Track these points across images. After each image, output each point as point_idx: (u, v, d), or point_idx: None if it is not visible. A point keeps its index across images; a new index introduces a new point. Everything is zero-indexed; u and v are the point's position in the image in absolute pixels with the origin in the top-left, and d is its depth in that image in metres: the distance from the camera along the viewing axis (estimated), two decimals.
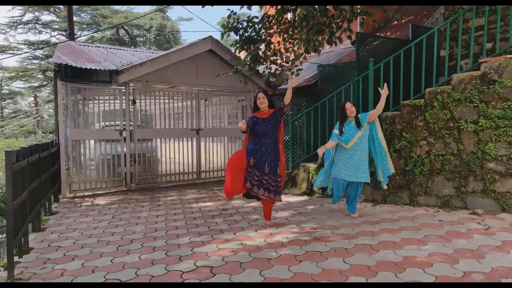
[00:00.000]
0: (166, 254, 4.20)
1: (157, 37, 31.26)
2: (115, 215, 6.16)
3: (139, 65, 8.62)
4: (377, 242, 4.26)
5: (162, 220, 5.78)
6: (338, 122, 5.41)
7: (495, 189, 5.20)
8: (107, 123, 9.46)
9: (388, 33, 10.70)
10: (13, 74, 32.31)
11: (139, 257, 4.11)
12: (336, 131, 5.39)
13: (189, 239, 4.73)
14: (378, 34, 10.13)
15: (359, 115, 5.33)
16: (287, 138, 8.25)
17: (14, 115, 34.03)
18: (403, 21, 10.96)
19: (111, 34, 32.38)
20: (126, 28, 32.93)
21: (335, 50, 11.55)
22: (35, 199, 5.07)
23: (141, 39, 33.11)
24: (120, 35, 32.99)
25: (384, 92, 5.31)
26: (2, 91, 35.29)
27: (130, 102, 8.79)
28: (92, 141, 8.64)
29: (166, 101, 9.62)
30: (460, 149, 5.51)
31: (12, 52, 32.65)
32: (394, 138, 6.12)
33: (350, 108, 5.28)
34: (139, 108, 9.16)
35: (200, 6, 8.24)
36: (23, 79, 31.13)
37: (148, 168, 9.25)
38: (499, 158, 5.18)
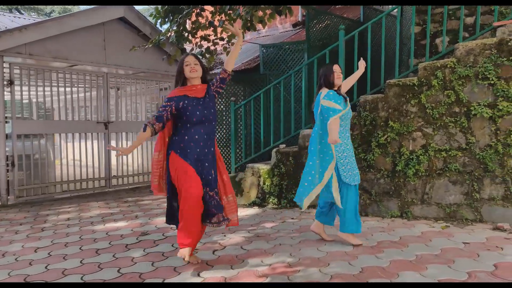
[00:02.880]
0: None
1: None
2: None
3: (17, 30, 6.16)
4: None
5: (43, 258, 3.59)
6: (323, 93, 3.56)
7: None
8: None
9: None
10: None
11: None
12: (333, 104, 3.46)
13: None
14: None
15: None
16: (229, 131, 6.42)
17: None
18: None
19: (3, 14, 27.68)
20: (23, 12, 28.40)
21: (273, 34, 10.01)
22: None
23: (32, 13, 28.63)
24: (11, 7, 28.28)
25: (361, 65, 3.84)
26: None
27: (6, 83, 6.28)
28: None
29: (62, 84, 7.18)
30: (470, 141, 4.12)
31: None
32: (376, 129, 4.60)
33: (339, 72, 3.60)
34: (21, 92, 6.59)
35: None
36: None
37: (36, 174, 6.76)
38: None
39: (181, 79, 3.20)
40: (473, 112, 4.09)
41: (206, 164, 3.18)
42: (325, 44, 6.44)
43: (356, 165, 3.61)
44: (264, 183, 5.41)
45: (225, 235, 4.19)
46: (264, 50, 7.31)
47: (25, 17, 9.18)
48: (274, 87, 5.76)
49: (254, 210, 5.33)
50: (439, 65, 4.27)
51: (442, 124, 4.26)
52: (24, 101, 6.91)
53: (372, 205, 4.64)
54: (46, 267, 3.35)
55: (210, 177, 3.20)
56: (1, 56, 6.09)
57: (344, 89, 3.79)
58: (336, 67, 3.58)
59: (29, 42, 6.24)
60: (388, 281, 2.78)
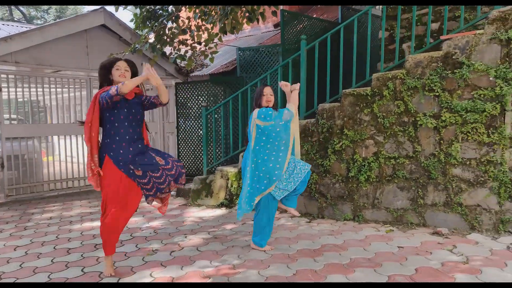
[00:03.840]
0: None
1: (57, 19, 27.56)
2: None
3: (3, 40, 6.45)
4: None
5: (20, 256, 3.91)
6: (254, 114, 3.78)
7: (461, 202, 4.11)
8: None
9: (315, 15, 9.55)
10: None
11: None
12: (263, 123, 3.72)
13: None
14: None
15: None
16: (200, 135, 6.67)
17: None
18: None
19: (3, 14, 27.98)
20: (22, 9, 28.63)
21: (256, 34, 10.18)
22: None
23: (39, 21, 28.98)
24: (16, 16, 28.59)
25: (284, 86, 3.90)
26: None
27: None
28: None
29: (52, 90, 7.46)
30: (417, 150, 4.35)
31: None
32: (333, 137, 4.83)
33: (269, 95, 3.79)
34: (9, 98, 6.89)
35: None
36: None
37: (24, 174, 7.08)
38: (467, 163, 4.10)
39: (107, 80, 3.26)
40: (419, 122, 4.31)
41: (149, 150, 3.36)
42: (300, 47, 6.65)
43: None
44: (231, 185, 5.66)
45: (186, 236, 4.46)
46: (241, 53, 7.50)
47: (14, 24, 9.42)
48: (251, 88, 5.93)
49: (221, 211, 5.59)
50: (390, 76, 4.49)
51: (392, 132, 4.48)
52: (11, 106, 7.19)
53: (328, 208, 4.89)
54: (20, 265, 3.65)
55: (159, 152, 3.43)
56: None
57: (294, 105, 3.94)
58: (266, 90, 3.78)
59: (15, 51, 6.52)
60: (315, 282, 3.04)
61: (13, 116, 8.06)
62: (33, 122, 8.05)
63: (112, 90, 3.02)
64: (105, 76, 3.27)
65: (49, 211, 6.00)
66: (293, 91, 3.82)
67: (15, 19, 28.13)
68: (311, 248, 3.84)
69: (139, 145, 3.30)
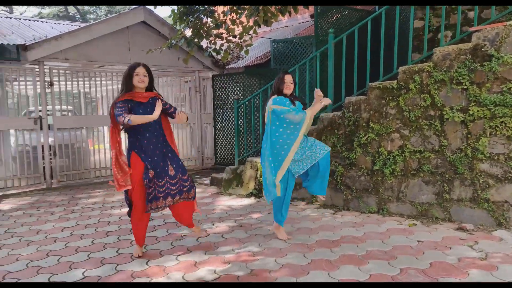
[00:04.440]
0: None
1: (109, 14, 28.79)
2: (9, 229, 4.68)
3: (54, 39, 6.95)
4: (335, 281, 2.98)
5: (65, 236, 4.34)
6: (270, 100, 3.92)
7: (489, 198, 4.02)
8: (24, 110, 7.85)
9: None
10: None
11: None
12: (279, 107, 3.83)
13: (83, 273, 3.33)
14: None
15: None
16: (233, 127, 6.87)
17: None
18: None
19: (59, 11, 29.63)
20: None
21: (292, 24, 10.18)
22: None
23: (91, 16, 30.40)
24: (71, 12, 30.17)
25: (317, 95, 3.90)
26: None
27: (47, 84, 7.16)
28: (1, 132, 7.04)
29: (94, 83, 7.96)
30: (443, 144, 4.29)
31: None
32: (359, 130, 4.85)
33: (290, 82, 3.89)
34: (59, 91, 7.46)
35: None
36: None
37: (74, 161, 7.67)
38: (495, 158, 3.99)
39: (128, 86, 3.48)
40: (446, 116, 4.23)
41: (170, 155, 3.65)
42: (336, 35, 6.59)
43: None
44: (261, 176, 5.83)
45: (213, 224, 4.70)
46: (275, 45, 7.59)
47: (65, 22, 10.05)
48: None
49: (250, 200, 5.78)
50: (417, 69, 4.42)
51: (418, 126, 4.43)
52: (62, 99, 7.75)
53: (353, 200, 4.93)
54: (65, 245, 4.07)
55: (180, 162, 3.70)
56: (42, 62, 6.96)
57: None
58: (287, 77, 3.89)
59: (65, 49, 7.03)
60: (327, 272, 3.15)
61: (64, 107, 8.69)
62: (81, 114, 8.63)
63: (124, 120, 3.32)
64: (127, 82, 3.49)
65: (94, 197, 6.48)
66: (320, 103, 3.87)
67: (70, 14, 29.73)
68: (330, 239, 3.93)
69: (159, 145, 3.59)
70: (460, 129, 4.19)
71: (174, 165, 3.64)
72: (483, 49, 4.04)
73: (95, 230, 4.59)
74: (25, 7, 29.25)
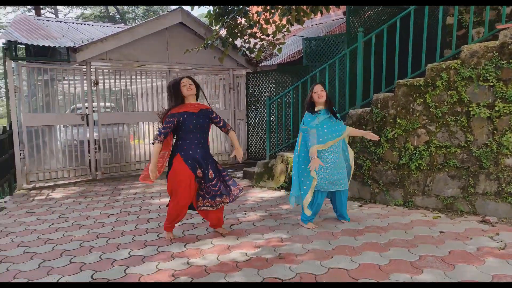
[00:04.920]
0: (91, 276, 3.22)
1: (146, 13, 29.78)
2: (63, 214, 5.22)
3: (99, 41, 7.49)
4: (356, 266, 3.21)
5: (112, 222, 4.81)
6: (305, 114, 4.28)
7: None
8: (72, 107, 8.46)
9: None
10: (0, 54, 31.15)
11: (57, 280, 3.14)
12: (304, 127, 4.23)
13: (129, 253, 3.73)
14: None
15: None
16: (265, 123, 7.15)
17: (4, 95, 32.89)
18: None
19: (99, 12, 30.93)
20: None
21: (326, 21, 10.32)
22: None
23: (130, 15, 31.55)
24: (111, 12, 31.45)
25: (369, 135, 4.31)
26: None
27: (93, 83, 7.72)
28: (52, 127, 7.68)
29: (135, 81, 8.48)
30: (469, 140, 4.40)
31: None
32: (386, 126, 5.01)
33: (319, 91, 4.15)
34: (104, 89, 8.04)
35: None
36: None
37: (116, 155, 8.22)
38: None
39: (179, 98, 3.91)
40: (472, 112, 4.34)
41: (210, 159, 4.02)
42: (367, 35, 6.74)
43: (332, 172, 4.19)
44: (291, 170, 6.09)
45: (245, 213, 5.01)
46: (307, 43, 7.79)
47: (108, 25, 10.66)
48: (312, 78, 6.25)
49: (280, 193, 6.06)
50: (444, 67, 4.54)
51: (444, 122, 4.55)
52: (105, 96, 8.33)
53: (380, 193, 5.11)
54: (112, 229, 4.51)
55: (216, 164, 4.08)
56: (89, 62, 7.51)
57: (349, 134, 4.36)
58: (316, 87, 4.15)
59: (109, 50, 7.55)
60: (349, 257, 3.38)
61: (107, 104, 9.27)
62: (123, 110, 9.19)
63: (157, 138, 3.82)
64: (177, 93, 3.92)
65: (134, 188, 6.96)
66: (364, 133, 4.27)
67: (110, 14, 30.99)
68: (355, 229, 4.15)
69: (204, 150, 3.99)
70: (486, 125, 4.28)
71: (212, 170, 4.00)
72: (510, 47, 4.12)
73: (137, 217, 5.02)
74: (68, 9, 30.69)
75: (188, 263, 3.45)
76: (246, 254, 3.60)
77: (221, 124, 4.11)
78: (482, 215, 4.29)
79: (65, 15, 31.14)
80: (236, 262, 3.41)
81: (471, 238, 3.70)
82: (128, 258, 3.61)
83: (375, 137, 4.25)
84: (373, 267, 3.17)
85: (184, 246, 3.88)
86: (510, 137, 4.09)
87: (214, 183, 3.98)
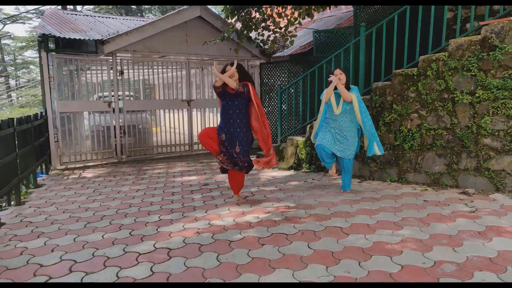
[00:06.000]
0: (130, 233, 3.96)
1: (163, 5, 30.46)
2: (96, 189, 5.99)
3: (124, 34, 8.22)
4: (349, 225, 3.91)
5: (140, 195, 5.55)
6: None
7: (489, 167, 4.74)
8: (99, 94, 9.23)
9: None
10: (24, 44, 32.32)
11: (102, 236, 3.89)
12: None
13: (159, 217, 4.48)
14: None
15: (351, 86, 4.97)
16: (281, 110, 7.82)
17: (28, 84, 34.28)
18: None
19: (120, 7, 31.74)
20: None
21: (336, 14, 10.86)
22: (10, 174, 4.94)
23: (147, 6, 32.28)
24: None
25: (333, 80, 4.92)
26: (16, 60, 35.38)
27: (118, 73, 8.47)
28: (81, 113, 8.51)
29: (156, 71, 9.22)
30: (453, 123, 5.02)
31: (22, 21, 32.58)
32: (384, 111, 5.65)
33: (339, 74, 4.84)
34: (128, 78, 8.81)
35: None
36: (35, 49, 31.10)
37: (139, 140, 9.01)
38: (496, 133, 4.69)
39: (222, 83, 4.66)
40: (457, 98, 4.95)
41: (240, 138, 4.75)
42: (369, 28, 7.28)
43: (335, 138, 4.92)
44: (300, 152, 6.78)
45: (258, 188, 5.73)
46: (317, 35, 8.38)
47: (131, 18, 11.38)
48: (319, 68, 6.85)
49: (290, 172, 6.77)
50: (434, 58, 5.14)
51: (433, 107, 5.17)
52: (129, 85, 9.08)
53: (377, 171, 5.76)
54: (142, 200, 5.26)
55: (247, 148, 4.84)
56: (115, 54, 8.26)
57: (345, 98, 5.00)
58: (336, 71, 4.84)
59: (133, 42, 8.28)
60: (344, 219, 4.08)
61: (131, 93, 10.04)
62: (145, 98, 9.96)
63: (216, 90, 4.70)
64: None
65: (158, 168, 7.74)
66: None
67: (132, 8, 31.76)
68: (352, 199, 4.84)
69: (239, 124, 4.71)
70: (468, 109, 4.89)
71: (240, 147, 4.74)
72: (489, 41, 4.70)
73: (163, 191, 5.78)
74: None
75: (209, 224, 4.18)
76: (258, 217, 4.32)
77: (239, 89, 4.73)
78: (463, 188, 4.93)
79: (82, 6, 32.02)
80: (249, 223, 4.14)
81: (448, 205, 4.36)
82: (158, 221, 4.34)
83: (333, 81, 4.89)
84: (363, 226, 3.86)
85: (206, 212, 4.62)
86: (488, 119, 4.70)
87: (236, 157, 4.74)
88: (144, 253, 3.41)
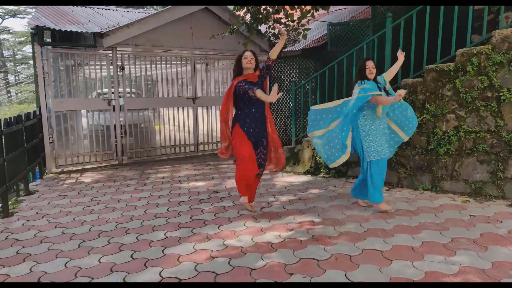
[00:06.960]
0: (131, 256, 3.38)
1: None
2: (94, 197, 5.41)
3: (125, 26, 7.60)
4: (390, 247, 3.33)
5: (143, 205, 4.97)
6: (356, 87, 4.28)
7: None
8: (99, 91, 8.65)
9: None
10: (22, 39, 31.69)
11: (99, 260, 3.31)
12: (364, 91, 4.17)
13: (165, 234, 3.90)
14: None
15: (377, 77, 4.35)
16: (291, 107, 7.24)
17: (26, 80, 33.65)
18: None
19: None
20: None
21: (349, 6, 10.24)
22: None
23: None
24: None
25: (401, 56, 4.41)
26: (16, 56, 34.78)
27: (118, 68, 7.87)
28: (79, 112, 7.91)
29: (159, 67, 8.62)
30: (499, 125, 4.43)
31: (22, 15, 31.95)
32: (415, 111, 5.04)
33: (371, 68, 4.23)
34: (129, 74, 8.21)
35: None
36: None
37: (141, 140, 8.42)
38: None
39: (239, 69, 4.25)
40: (503, 97, 4.35)
41: (265, 132, 4.39)
42: (393, 19, 6.68)
43: (382, 142, 4.22)
44: (317, 155, 6.19)
45: (274, 196, 5.16)
46: (331, 28, 7.78)
47: (132, 10, 10.75)
48: (338, 64, 6.26)
49: (307, 177, 6.19)
50: (475, 52, 4.54)
51: (474, 107, 4.58)
52: (130, 82, 8.49)
53: (407, 178, 5.18)
54: (144, 211, 4.69)
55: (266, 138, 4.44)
56: (115, 48, 7.65)
57: (388, 78, 4.39)
58: (368, 63, 4.20)
59: (134, 35, 7.67)
60: (382, 239, 3.50)
61: (130, 90, 9.45)
62: (147, 96, 9.36)
63: (250, 93, 4.06)
64: (238, 65, 4.27)
65: (162, 172, 7.16)
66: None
67: None
68: (386, 212, 4.26)
69: (260, 120, 4.33)
70: None
71: (265, 140, 4.41)
72: None
73: (168, 200, 5.20)
74: None
75: (224, 244, 3.60)
76: (279, 236, 3.75)
77: (265, 63, 4.34)
78: (511, 200, 4.34)
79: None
80: (271, 244, 3.56)
81: (501, 221, 3.77)
82: (165, 239, 3.76)
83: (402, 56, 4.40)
84: (407, 249, 3.29)
85: (218, 227, 4.04)
86: None
87: (265, 152, 4.40)
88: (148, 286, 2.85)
